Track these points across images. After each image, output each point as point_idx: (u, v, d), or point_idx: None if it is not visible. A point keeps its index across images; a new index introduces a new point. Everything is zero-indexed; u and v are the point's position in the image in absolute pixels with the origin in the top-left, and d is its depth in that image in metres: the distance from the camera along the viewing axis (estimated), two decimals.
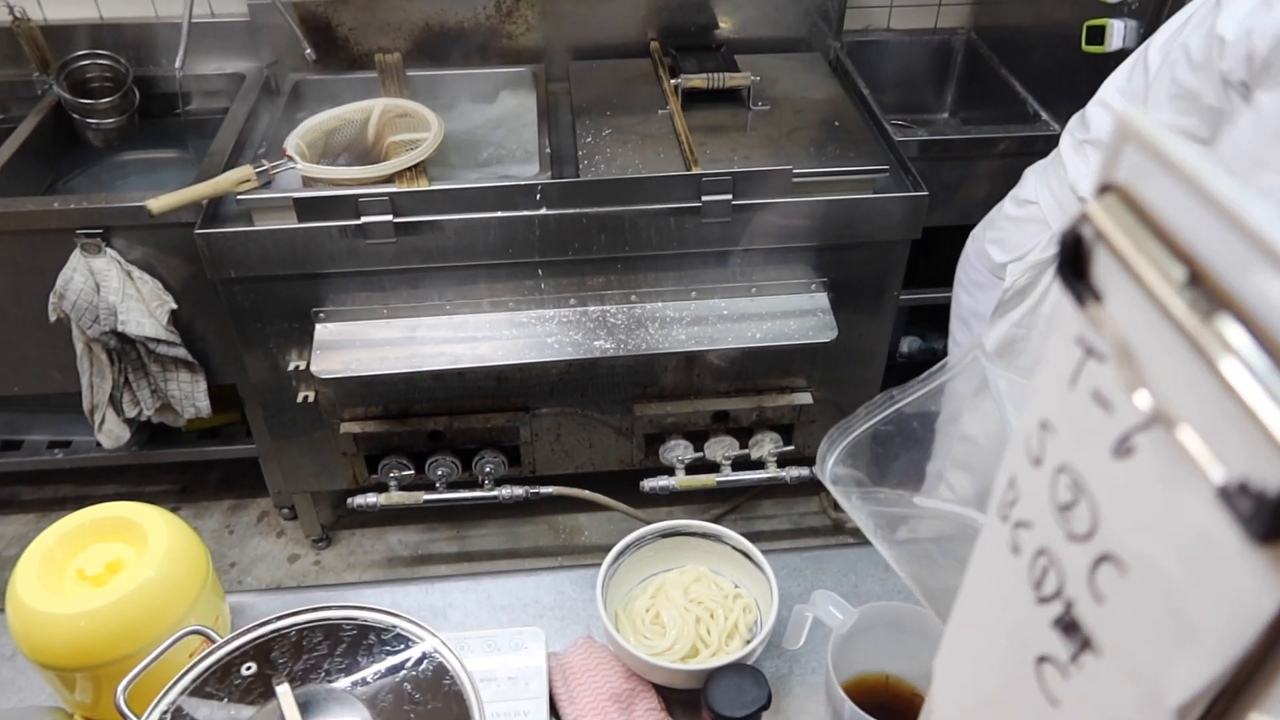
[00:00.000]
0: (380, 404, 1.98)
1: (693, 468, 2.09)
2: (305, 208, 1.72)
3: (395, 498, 2.04)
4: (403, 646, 0.77)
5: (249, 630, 0.78)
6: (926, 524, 0.78)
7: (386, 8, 2.18)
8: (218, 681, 0.75)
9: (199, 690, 0.75)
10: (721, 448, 2.07)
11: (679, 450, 2.07)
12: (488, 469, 2.05)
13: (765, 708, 0.89)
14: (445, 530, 2.38)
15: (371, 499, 2.03)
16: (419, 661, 0.76)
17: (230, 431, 2.30)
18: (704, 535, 1.08)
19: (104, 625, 0.88)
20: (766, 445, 2.08)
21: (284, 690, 0.71)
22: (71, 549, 0.94)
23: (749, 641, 1.00)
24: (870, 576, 1.16)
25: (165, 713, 0.73)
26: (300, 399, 1.94)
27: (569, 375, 1.97)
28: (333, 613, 0.80)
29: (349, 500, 2.05)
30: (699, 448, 2.08)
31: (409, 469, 2.04)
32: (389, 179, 1.81)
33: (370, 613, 0.80)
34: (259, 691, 0.74)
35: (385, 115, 1.97)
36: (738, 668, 0.92)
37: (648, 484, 2.06)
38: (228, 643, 0.78)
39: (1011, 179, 1.63)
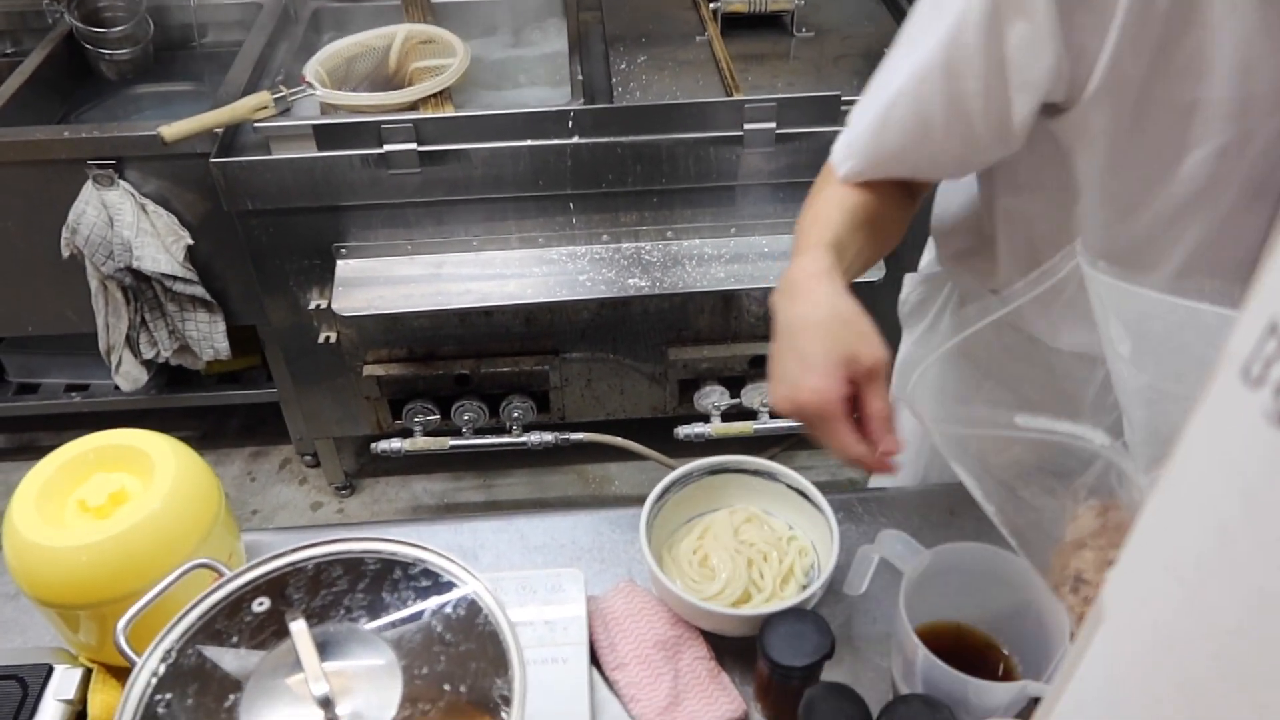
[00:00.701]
0: (404, 345, 1.90)
1: (729, 415, 2.00)
2: (325, 135, 1.63)
3: (420, 443, 1.96)
4: (431, 583, 0.69)
5: (262, 563, 0.71)
6: (1020, 448, 0.69)
7: None
8: (226, 618, 0.68)
9: (206, 627, 0.67)
10: (759, 394, 1.98)
11: (715, 396, 1.98)
12: (516, 415, 1.97)
13: (828, 657, 0.81)
14: (471, 479, 2.31)
15: (396, 445, 1.96)
16: (449, 599, 0.68)
17: (250, 375, 2.23)
18: (755, 472, 0.99)
19: (107, 560, 0.80)
20: None
21: (299, 627, 0.63)
22: (73, 478, 0.87)
23: (806, 586, 0.92)
24: (932, 521, 1.07)
25: (169, 651, 0.66)
26: (322, 340, 1.86)
27: (601, 316, 1.88)
28: (354, 545, 0.72)
29: (373, 446, 1.98)
30: (735, 394, 1.99)
31: (434, 414, 1.97)
32: (413, 106, 1.71)
33: (396, 545, 0.72)
34: (272, 629, 0.66)
35: (408, 41, 1.87)
36: (797, 613, 0.83)
37: (682, 431, 1.97)
38: (238, 576, 0.70)
39: None
